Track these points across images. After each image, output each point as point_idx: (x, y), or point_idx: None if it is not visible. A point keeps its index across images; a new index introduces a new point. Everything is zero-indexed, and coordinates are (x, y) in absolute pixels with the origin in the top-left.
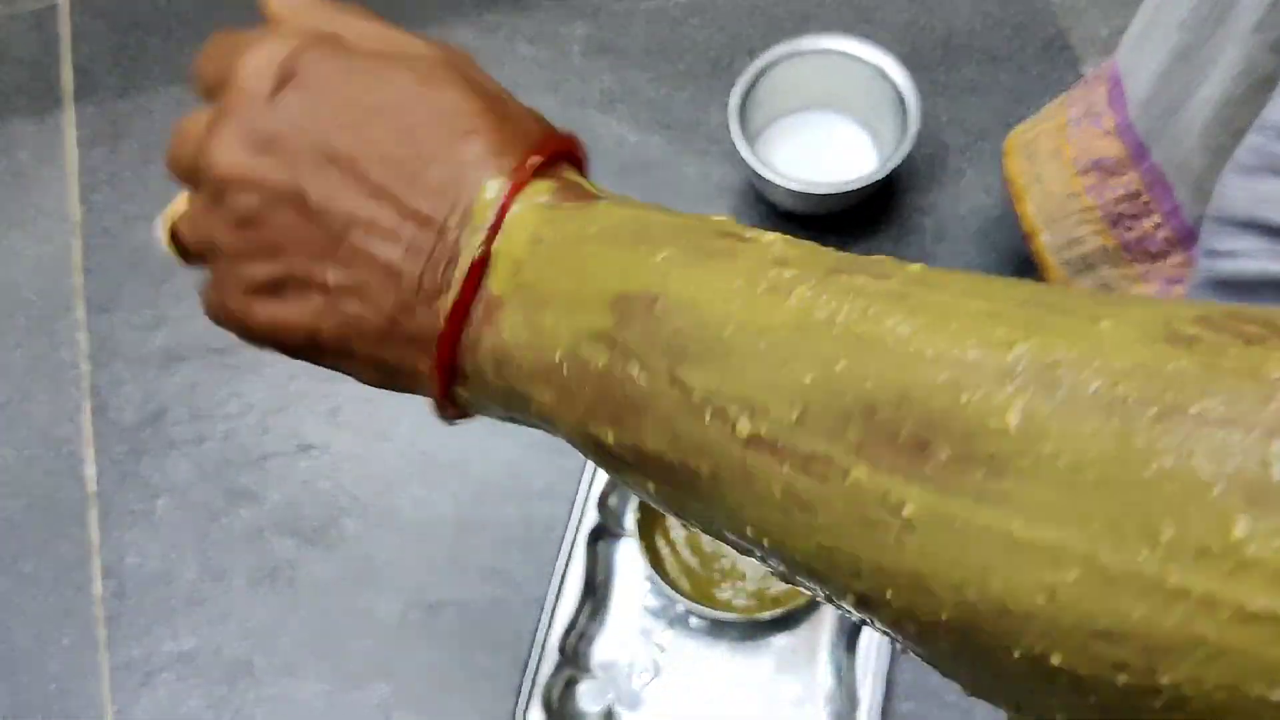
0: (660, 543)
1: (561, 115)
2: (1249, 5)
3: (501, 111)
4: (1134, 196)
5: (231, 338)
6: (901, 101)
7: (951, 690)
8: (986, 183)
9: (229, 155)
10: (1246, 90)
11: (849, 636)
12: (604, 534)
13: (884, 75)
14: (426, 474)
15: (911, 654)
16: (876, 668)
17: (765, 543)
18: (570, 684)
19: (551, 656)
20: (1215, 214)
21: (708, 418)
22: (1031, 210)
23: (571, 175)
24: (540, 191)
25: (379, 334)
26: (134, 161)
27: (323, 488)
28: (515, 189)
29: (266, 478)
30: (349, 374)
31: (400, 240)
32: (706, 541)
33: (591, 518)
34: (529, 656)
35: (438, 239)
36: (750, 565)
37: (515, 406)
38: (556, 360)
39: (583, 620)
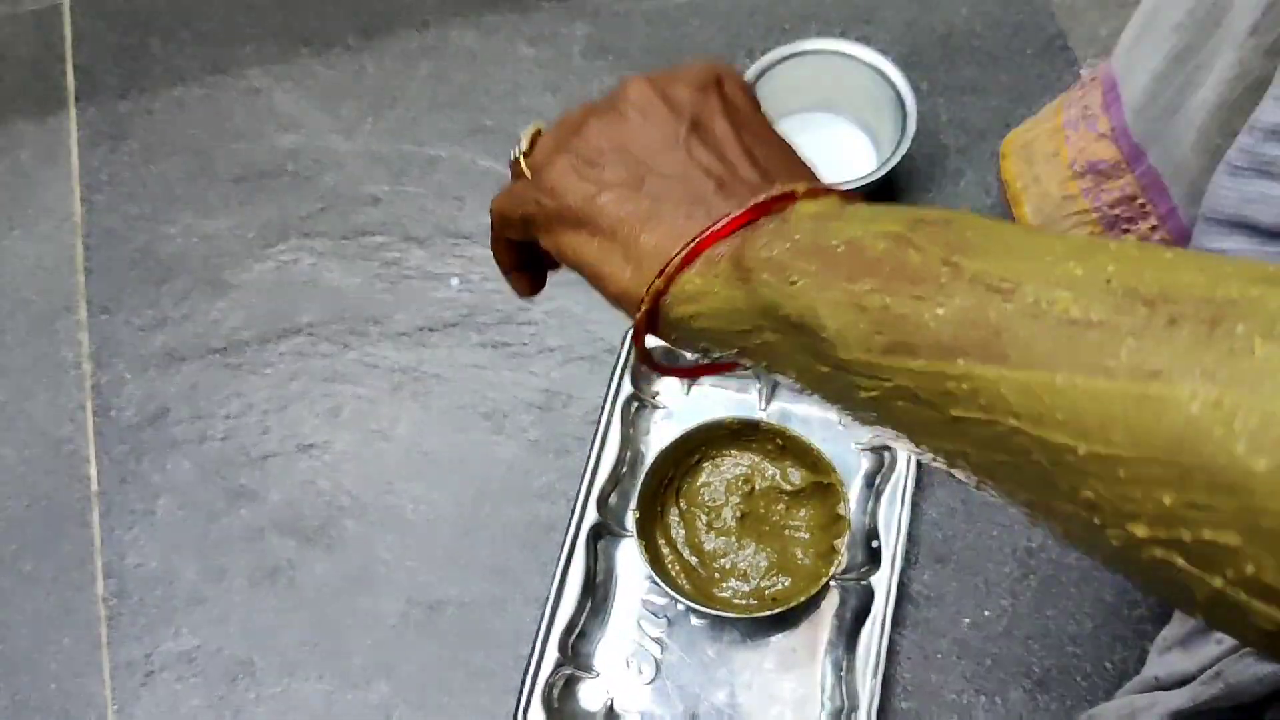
0: (660, 542)
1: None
2: (1243, 9)
3: None
4: (1130, 199)
5: (233, 337)
6: (900, 102)
7: (951, 689)
8: (985, 183)
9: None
10: (1242, 94)
11: (849, 635)
12: (604, 533)
13: (883, 76)
14: (427, 473)
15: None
16: (876, 666)
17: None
18: (570, 683)
19: (552, 655)
20: (1206, 213)
21: (979, 290)
22: (1029, 212)
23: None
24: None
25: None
26: (135, 162)
27: (323, 487)
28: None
29: (267, 477)
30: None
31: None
32: (706, 540)
33: (592, 517)
34: (529, 655)
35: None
36: (750, 564)
37: (766, 285)
38: (833, 243)
39: (583, 619)
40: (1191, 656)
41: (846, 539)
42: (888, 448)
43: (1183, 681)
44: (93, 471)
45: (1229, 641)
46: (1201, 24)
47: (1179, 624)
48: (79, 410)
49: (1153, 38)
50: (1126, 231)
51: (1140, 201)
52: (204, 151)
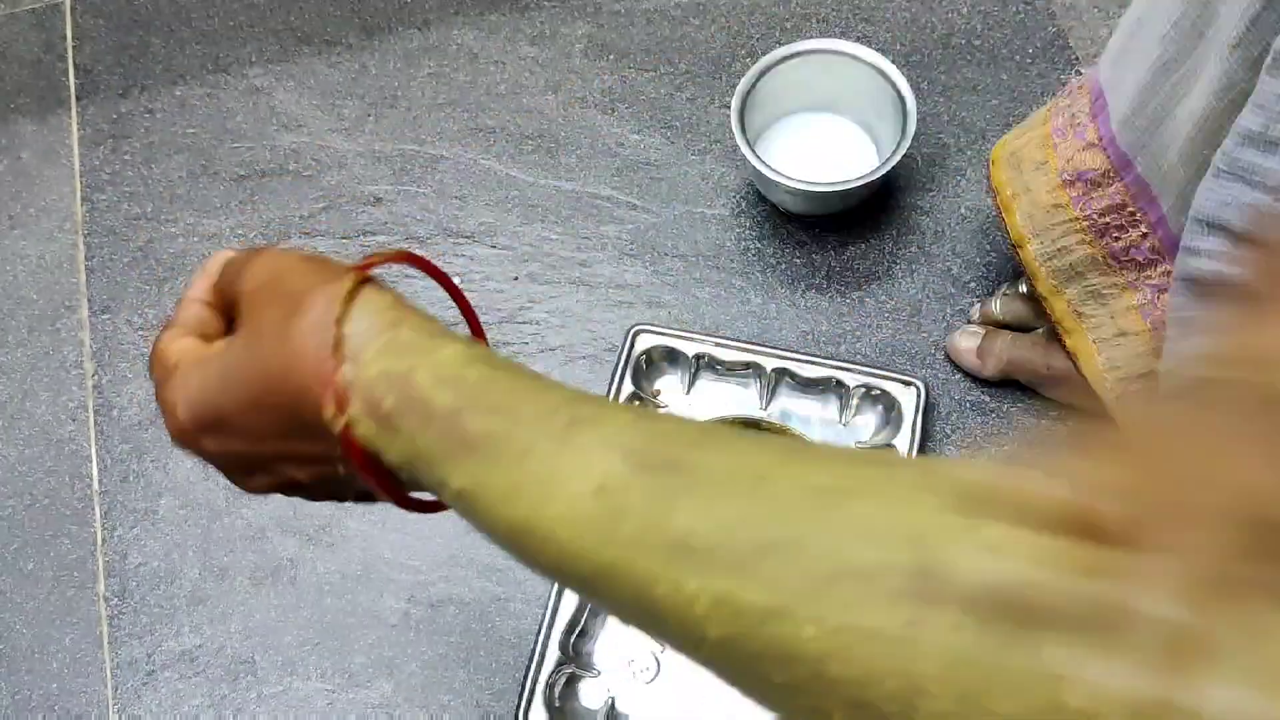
0: None
1: (562, 115)
2: (1228, 22)
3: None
4: (1120, 208)
5: None
6: (901, 101)
7: None
8: (986, 182)
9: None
10: (1227, 105)
11: None
12: None
13: (883, 75)
14: None
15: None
16: None
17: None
18: (571, 682)
19: (553, 654)
20: (1193, 212)
21: None
22: (1020, 220)
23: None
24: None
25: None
26: (136, 161)
27: None
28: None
29: None
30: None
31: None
32: None
33: None
34: (531, 654)
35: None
36: None
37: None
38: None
39: (584, 618)
40: None
41: None
42: (890, 445)
43: None
44: (94, 470)
45: None
46: (1186, 35)
47: None
48: (80, 409)
49: (1139, 48)
50: (1118, 239)
51: (1130, 210)
52: (205, 151)
